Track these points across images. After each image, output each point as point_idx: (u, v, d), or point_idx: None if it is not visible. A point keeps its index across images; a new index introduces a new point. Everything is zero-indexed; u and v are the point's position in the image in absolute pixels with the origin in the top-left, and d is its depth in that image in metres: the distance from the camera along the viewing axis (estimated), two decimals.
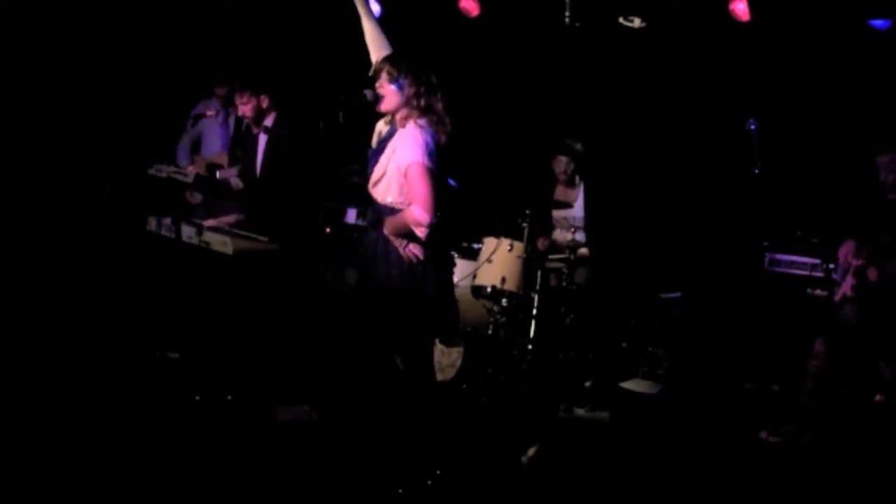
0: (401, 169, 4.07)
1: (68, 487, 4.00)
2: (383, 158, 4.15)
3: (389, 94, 4.11)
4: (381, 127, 4.30)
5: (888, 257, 4.98)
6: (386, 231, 4.14)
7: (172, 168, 5.96)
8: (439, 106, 4.13)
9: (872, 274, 5.01)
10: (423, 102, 4.10)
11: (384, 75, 4.12)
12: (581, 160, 6.52)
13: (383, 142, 4.22)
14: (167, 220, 5.57)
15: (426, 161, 4.03)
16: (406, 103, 4.12)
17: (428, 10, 7.23)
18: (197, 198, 6.48)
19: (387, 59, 4.17)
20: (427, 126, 4.11)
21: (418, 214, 4.02)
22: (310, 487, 4.19)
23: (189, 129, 6.70)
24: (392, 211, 4.14)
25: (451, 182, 4.92)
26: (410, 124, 4.12)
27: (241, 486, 4.16)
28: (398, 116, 4.16)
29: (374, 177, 4.17)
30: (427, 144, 4.06)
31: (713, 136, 6.85)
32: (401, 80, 4.10)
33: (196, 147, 6.86)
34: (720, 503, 4.58)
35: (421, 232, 4.05)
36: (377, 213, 4.22)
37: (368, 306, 4.23)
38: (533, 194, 6.27)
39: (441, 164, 4.11)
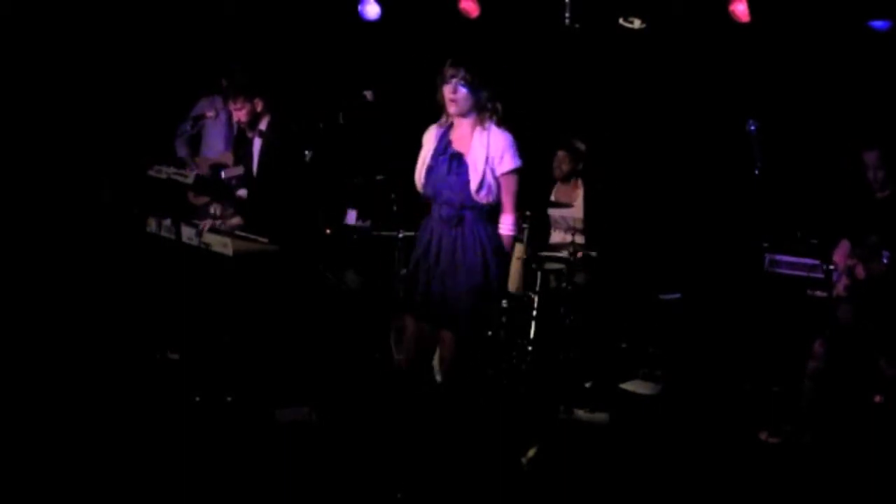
0: (500, 173, 4.30)
1: (68, 487, 4.01)
2: (477, 163, 4.30)
3: (463, 97, 4.28)
4: (436, 131, 4.44)
5: (875, 256, 5.00)
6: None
7: (173, 169, 5.95)
8: (501, 109, 4.36)
9: (859, 272, 5.04)
10: (495, 106, 4.33)
11: (459, 79, 4.27)
12: (583, 159, 6.54)
13: (447, 146, 4.38)
14: (167, 221, 5.58)
15: (521, 165, 4.34)
16: (479, 106, 4.31)
17: (428, 11, 7.23)
18: (202, 199, 6.48)
19: (461, 63, 4.30)
20: (498, 125, 4.34)
21: (509, 227, 4.38)
22: (310, 488, 4.19)
23: (189, 130, 6.70)
24: (488, 209, 4.35)
25: None
26: (493, 128, 4.33)
27: (242, 486, 4.17)
28: (469, 120, 4.34)
29: (474, 182, 4.30)
30: (510, 140, 4.33)
31: (713, 137, 6.85)
32: (476, 84, 4.28)
33: (196, 147, 6.86)
34: (720, 503, 4.58)
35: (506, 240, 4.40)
36: (460, 210, 4.33)
37: (449, 296, 4.33)
38: (533, 196, 6.27)
39: None
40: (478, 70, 4.28)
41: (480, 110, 4.32)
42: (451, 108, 4.30)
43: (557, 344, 6.10)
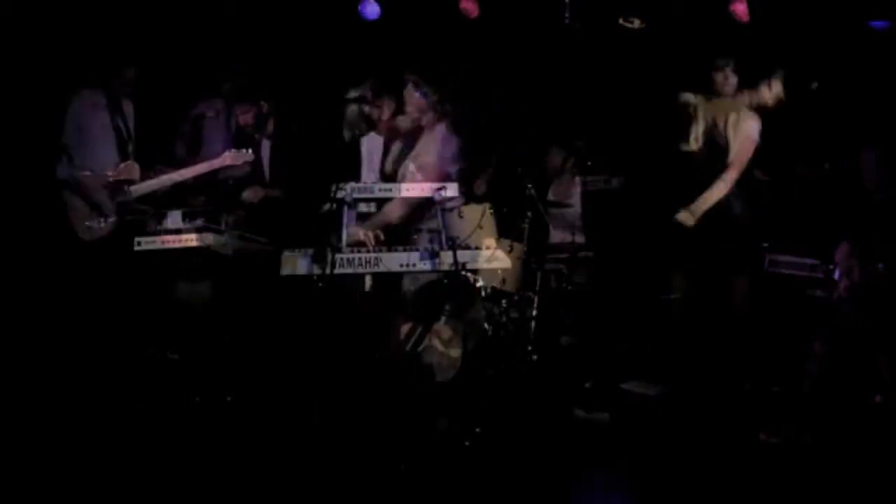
0: (421, 165, 4.65)
1: (69, 487, 4.01)
2: (425, 164, 4.69)
3: (415, 101, 4.72)
4: (404, 126, 4.89)
5: (874, 258, 5.02)
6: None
7: (173, 169, 5.96)
8: (458, 111, 4.73)
9: (855, 275, 5.06)
10: (445, 108, 4.71)
11: (412, 84, 4.70)
12: (576, 156, 6.57)
13: (409, 148, 4.82)
14: (167, 220, 5.58)
15: (449, 170, 4.70)
16: (431, 108, 4.72)
17: (428, 11, 7.24)
18: (201, 199, 6.48)
19: (413, 70, 4.71)
20: (448, 128, 4.72)
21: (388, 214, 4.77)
22: (310, 488, 4.19)
23: (188, 130, 6.69)
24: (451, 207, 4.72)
25: None
26: (443, 131, 4.72)
27: (242, 486, 4.17)
28: (423, 121, 4.75)
29: (425, 181, 4.65)
30: (451, 145, 4.70)
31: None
32: (425, 88, 4.69)
33: (196, 147, 6.85)
34: (720, 503, 4.58)
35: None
36: (423, 209, 4.77)
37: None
38: (531, 196, 6.28)
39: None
40: (429, 76, 4.67)
41: (434, 113, 4.72)
42: (407, 109, 4.76)
43: (557, 344, 6.10)
